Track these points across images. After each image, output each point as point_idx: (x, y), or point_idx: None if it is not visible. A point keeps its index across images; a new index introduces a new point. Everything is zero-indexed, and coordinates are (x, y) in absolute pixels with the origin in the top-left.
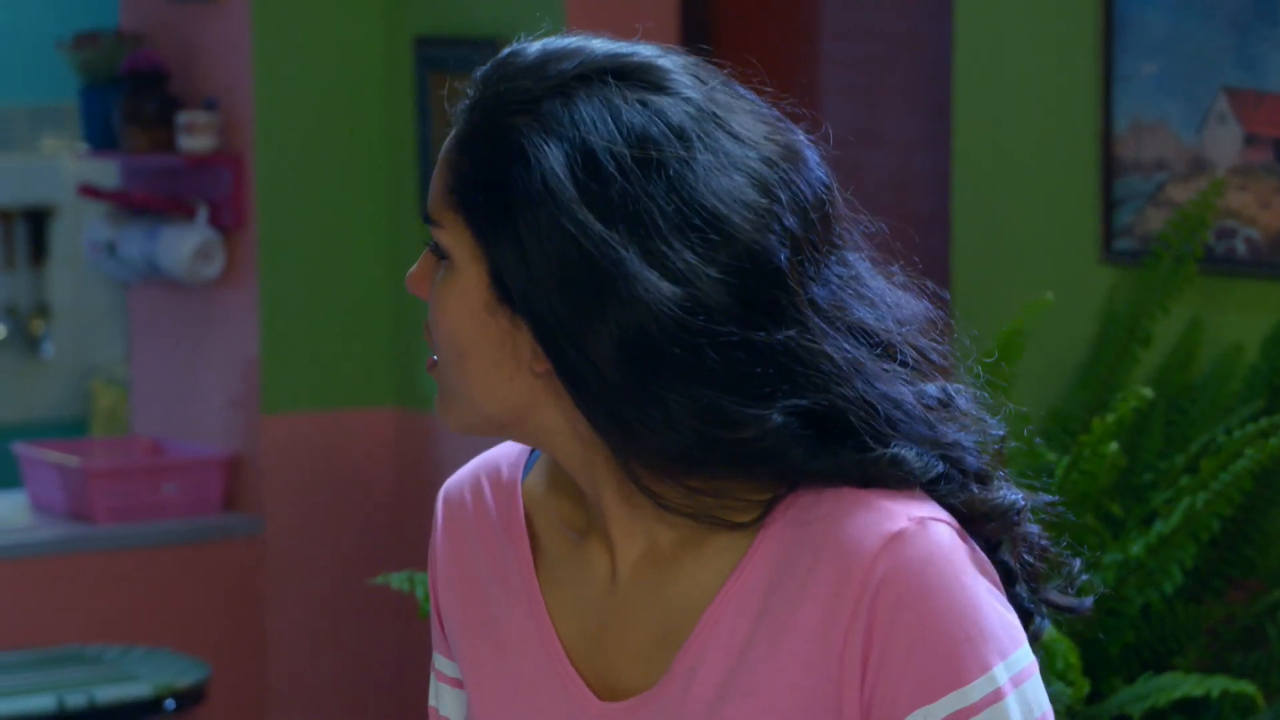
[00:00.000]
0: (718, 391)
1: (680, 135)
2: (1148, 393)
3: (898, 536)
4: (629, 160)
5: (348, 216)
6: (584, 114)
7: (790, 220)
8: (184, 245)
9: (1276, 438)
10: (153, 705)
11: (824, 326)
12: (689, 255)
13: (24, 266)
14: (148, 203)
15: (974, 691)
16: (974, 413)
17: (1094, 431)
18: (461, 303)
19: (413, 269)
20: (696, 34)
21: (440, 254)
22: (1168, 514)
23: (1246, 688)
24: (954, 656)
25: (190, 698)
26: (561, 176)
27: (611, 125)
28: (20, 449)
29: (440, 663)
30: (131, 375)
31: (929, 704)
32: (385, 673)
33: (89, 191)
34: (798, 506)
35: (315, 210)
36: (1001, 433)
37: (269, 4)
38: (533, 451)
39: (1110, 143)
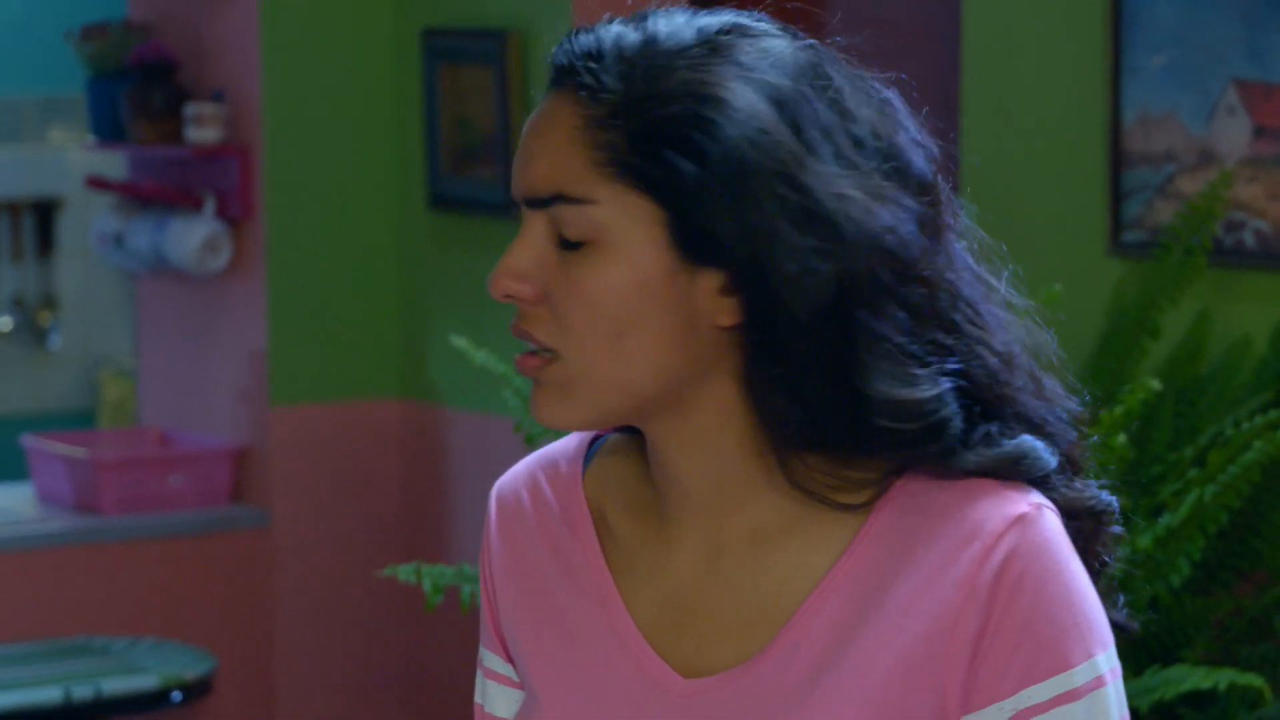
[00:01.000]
0: (903, 342)
1: (829, 70)
2: (1156, 385)
3: (1021, 519)
4: (812, 94)
5: (355, 208)
6: (753, 59)
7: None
8: (192, 237)
9: None
10: (160, 697)
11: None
12: (888, 187)
13: (32, 258)
14: (155, 194)
15: (1079, 676)
16: (1071, 408)
17: (1102, 424)
18: (627, 275)
19: (513, 266)
20: None
21: (565, 241)
22: (1176, 506)
23: (1254, 680)
24: (1063, 640)
25: (197, 689)
26: (766, 117)
27: (784, 62)
28: (28, 441)
29: (490, 660)
30: (139, 367)
31: (1035, 684)
32: (392, 664)
33: (97, 183)
34: (908, 493)
35: (323, 202)
36: (1083, 431)
37: None
38: (590, 447)
39: (1119, 134)
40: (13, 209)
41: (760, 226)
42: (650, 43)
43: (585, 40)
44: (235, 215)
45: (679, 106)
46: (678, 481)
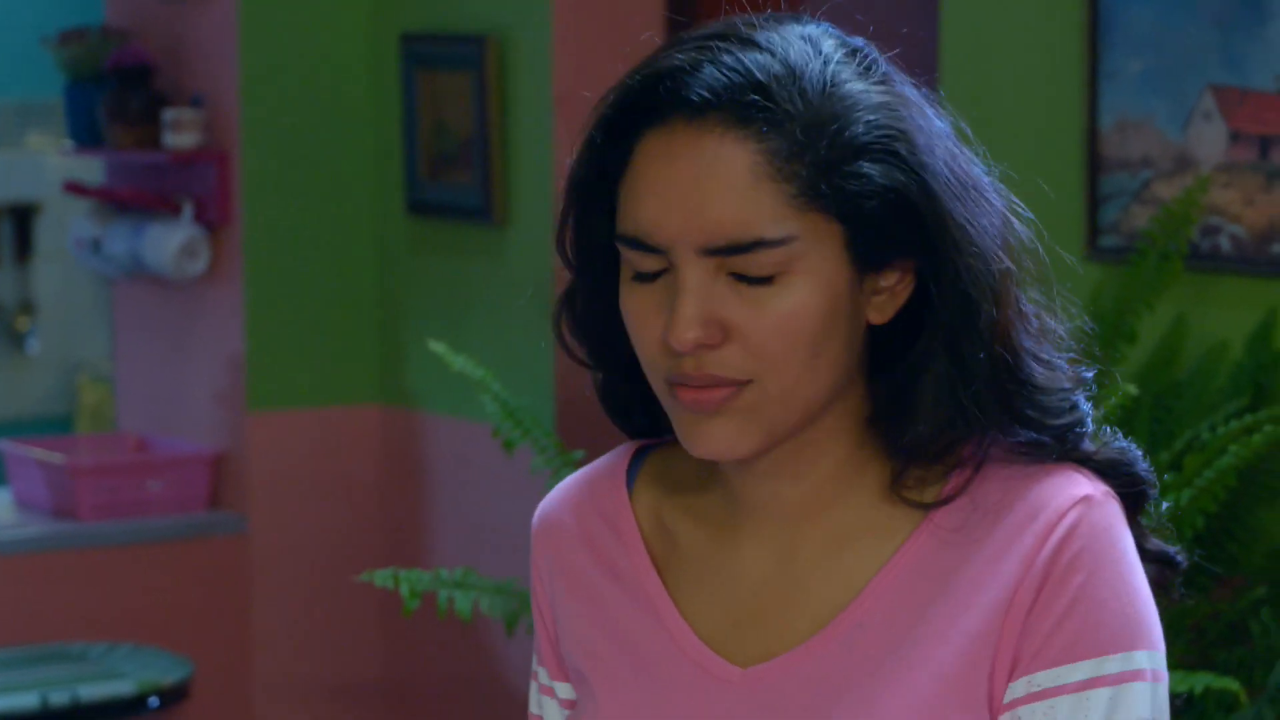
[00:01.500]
0: (1038, 338)
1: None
2: (1133, 390)
3: (1086, 500)
4: (922, 97)
5: (333, 213)
6: (871, 64)
7: None
8: (169, 242)
9: (1261, 434)
10: (137, 703)
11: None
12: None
13: (9, 263)
14: (133, 199)
15: (1113, 664)
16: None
17: None
18: (821, 295)
19: (697, 315)
20: (679, 30)
21: (747, 278)
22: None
23: (1230, 684)
24: (1106, 625)
25: (174, 695)
26: (930, 122)
27: (889, 67)
28: (5, 446)
29: (546, 678)
30: (117, 372)
31: (1070, 664)
32: (370, 669)
33: (74, 188)
34: (979, 479)
35: (301, 207)
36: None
37: (255, 1)
38: (630, 467)
39: (1096, 140)
40: None
41: (949, 227)
42: (798, 66)
43: (721, 71)
44: (213, 220)
45: (858, 126)
46: (759, 491)
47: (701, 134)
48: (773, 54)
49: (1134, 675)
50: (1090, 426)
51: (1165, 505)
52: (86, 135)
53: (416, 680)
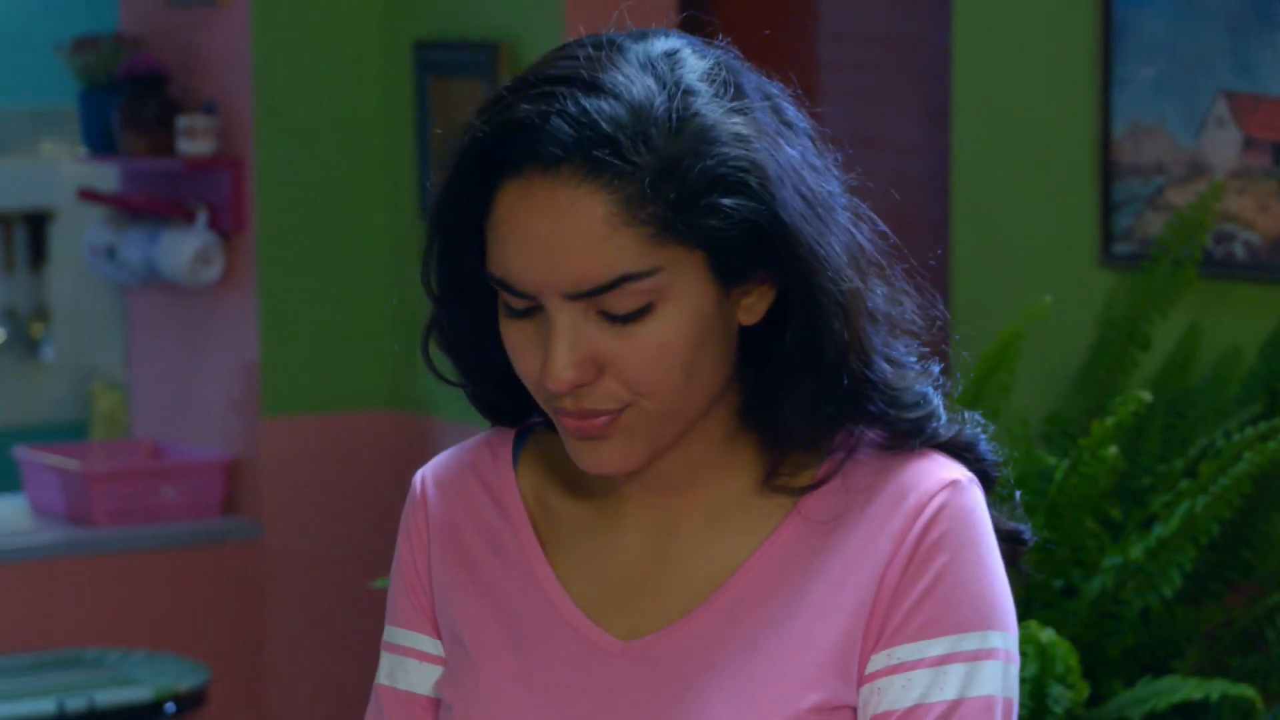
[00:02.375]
0: (887, 338)
1: (753, 79)
2: (1147, 396)
3: (954, 484)
4: (767, 104)
5: (347, 220)
6: (716, 86)
7: None
8: (184, 249)
9: (1275, 441)
10: (153, 709)
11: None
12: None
13: (24, 270)
14: (147, 206)
15: (970, 641)
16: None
17: (1093, 435)
18: (689, 319)
19: (571, 358)
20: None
21: (622, 315)
22: (1167, 517)
23: (1246, 691)
24: (965, 605)
25: (190, 701)
26: (767, 137)
27: (733, 80)
28: (20, 452)
29: (410, 639)
30: (131, 379)
31: (926, 639)
32: None
33: (88, 195)
34: (851, 463)
35: (315, 214)
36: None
37: (268, 8)
38: (517, 439)
39: (1109, 146)
40: (4, 221)
41: (800, 253)
42: (643, 108)
43: (568, 123)
44: (227, 227)
45: (709, 159)
46: (640, 470)
47: (556, 186)
48: (617, 98)
49: (988, 654)
50: (943, 415)
51: (1019, 495)
52: (101, 142)
53: None
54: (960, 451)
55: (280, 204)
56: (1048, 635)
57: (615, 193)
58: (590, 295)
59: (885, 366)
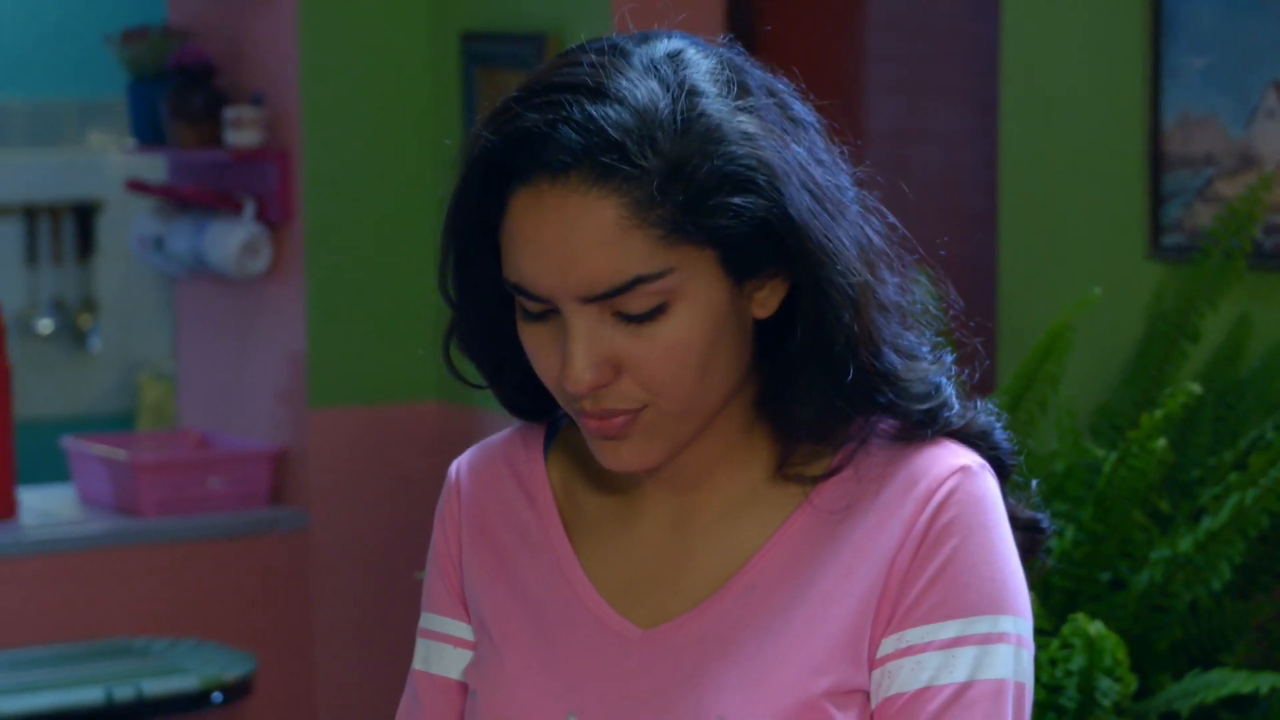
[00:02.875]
0: (899, 329)
1: (757, 74)
2: (1196, 389)
3: (965, 470)
4: (773, 102)
5: (394, 211)
6: (721, 85)
7: None
8: (231, 240)
9: None
10: (200, 698)
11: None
12: (854, 191)
13: (72, 261)
14: (195, 197)
15: (981, 625)
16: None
17: (1142, 427)
18: (703, 316)
19: (589, 360)
20: (741, 29)
21: (630, 316)
22: (1216, 510)
23: None
24: (976, 589)
25: (237, 690)
26: (775, 134)
27: (738, 80)
28: (68, 443)
29: (443, 624)
30: (178, 369)
31: (936, 622)
32: None
33: (136, 186)
34: (856, 459)
35: (362, 205)
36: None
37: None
38: (548, 432)
39: (1158, 137)
40: (53, 212)
41: (809, 248)
42: (648, 112)
43: (575, 131)
44: (274, 218)
45: (716, 159)
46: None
47: (566, 193)
48: (622, 103)
49: (999, 638)
50: (955, 405)
51: (1035, 484)
52: (149, 134)
53: None
54: (974, 440)
55: (327, 195)
56: (1096, 628)
57: (624, 196)
58: (604, 298)
59: (895, 358)
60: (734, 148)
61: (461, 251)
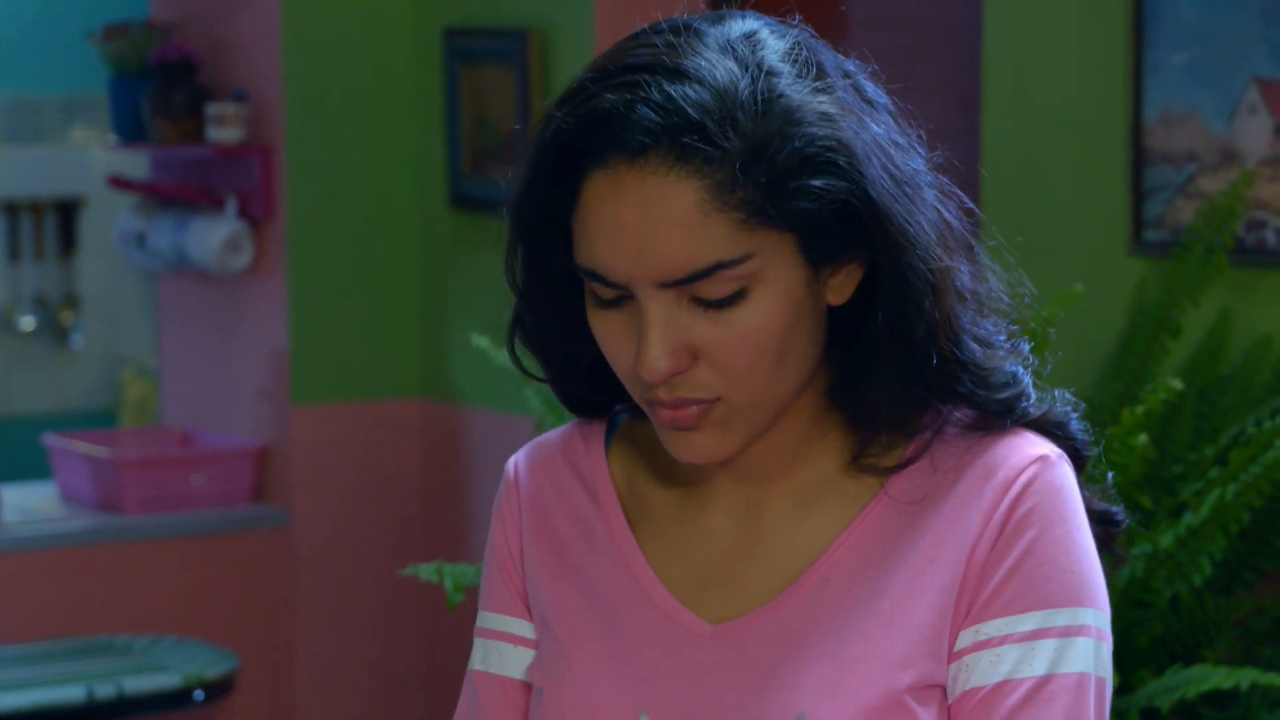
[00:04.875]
0: (975, 317)
1: (832, 57)
2: (1177, 384)
3: (1043, 460)
4: (850, 84)
5: (377, 208)
6: (799, 66)
7: None
8: (213, 236)
9: None
10: (182, 696)
11: None
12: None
13: (53, 257)
14: (177, 194)
15: (1061, 617)
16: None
17: (1123, 423)
18: (782, 303)
19: (666, 348)
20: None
21: (708, 301)
22: (1197, 506)
23: (1276, 680)
24: (1055, 581)
25: (219, 688)
26: (854, 115)
27: (814, 60)
28: (50, 440)
29: (503, 623)
30: (161, 366)
31: (1015, 615)
32: (414, 663)
33: (118, 182)
34: (931, 450)
35: (344, 201)
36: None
37: None
38: (609, 426)
39: (1140, 133)
40: (35, 208)
41: (889, 231)
42: (728, 92)
43: (654, 111)
44: (257, 215)
45: (796, 140)
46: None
47: (645, 175)
48: (701, 83)
49: (1079, 630)
50: (1032, 394)
51: (1111, 476)
52: (131, 130)
53: (460, 674)
54: (1050, 430)
55: (310, 192)
56: None
57: (705, 179)
58: (683, 283)
59: (974, 346)
60: (814, 129)
61: (530, 240)
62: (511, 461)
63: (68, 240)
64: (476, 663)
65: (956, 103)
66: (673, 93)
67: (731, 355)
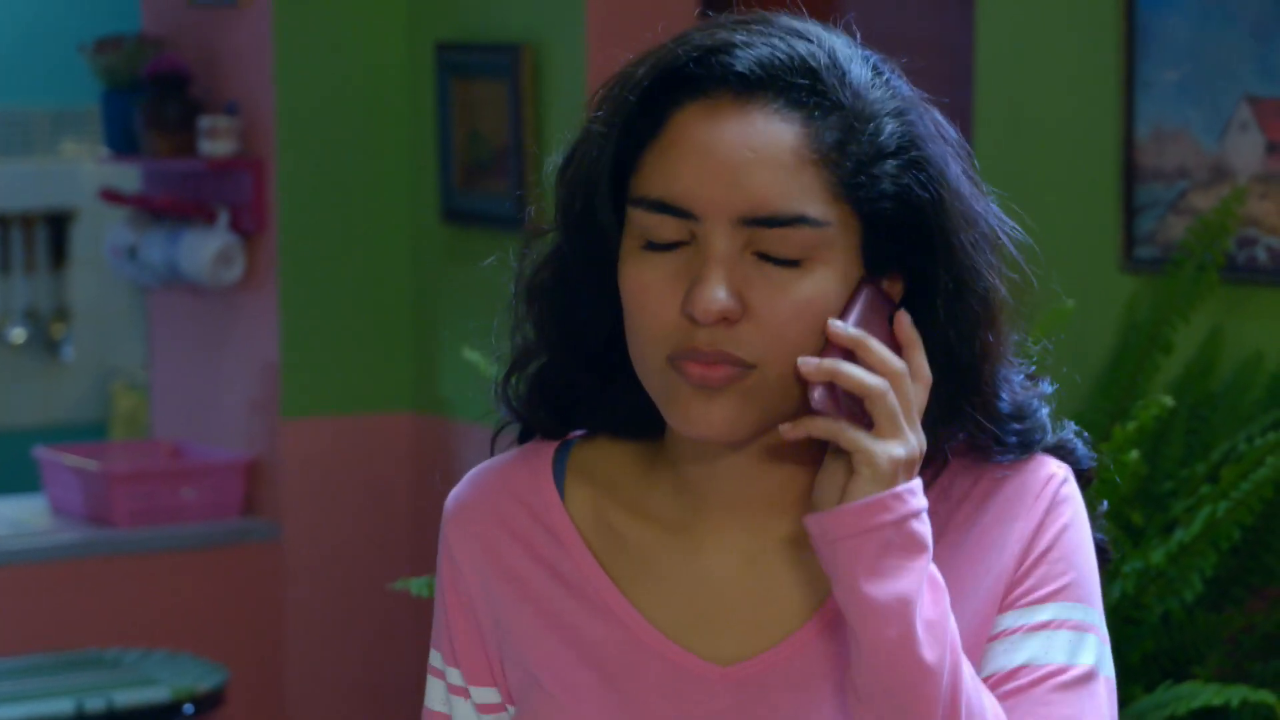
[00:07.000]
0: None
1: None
2: (1168, 401)
3: (1067, 474)
4: (931, 118)
5: (368, 221)
6: (897, 76)
7: None
8: (205, 249)
9: None
10: (171, 709)
11: None
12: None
13: (45, 270)
14: (169, 207)
15: (1076, 611)
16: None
17: (1115, 440)
18: (838, 287)
19: (727, 285)
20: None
21: (771, 257)
22: (1188, 522)
23: (1266, 697)
24: (1067, 576)
25: (209, 702)
26: (948, 139)
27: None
28: (40, 452)
29: (458, 678)
30: (151, 379)
31: (1032, 606)
32: (403, 676)
33: (110, 195)
34: (940, 479)
35: (336, 215)
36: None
37: (291, 8)
38: (555, 465)
39: (1132, 150)
40: (26, 221)
41: (957, 243)
42: (843, 60)
43: (775, 53)
44: (248, 228)
45: (888, 128)
46: (723, 492)
47: (749, 109)
48: (819, 45)
49: (1090, 627)
50: (1048, 433)
51: (1103, 505)
52: (122, 143)
53: None
54: (1060, 454)
55: (301, 205)
56: None
57: (808, 128)
58: (765, 224)
59: (1004, 384)
60: (917, 126)
61: (587, 177)
62: (452, 499)
63: (59, 253)
64: (436, 703)
65: (948, 118)
66: (791, 42)
67: (781, 320)
